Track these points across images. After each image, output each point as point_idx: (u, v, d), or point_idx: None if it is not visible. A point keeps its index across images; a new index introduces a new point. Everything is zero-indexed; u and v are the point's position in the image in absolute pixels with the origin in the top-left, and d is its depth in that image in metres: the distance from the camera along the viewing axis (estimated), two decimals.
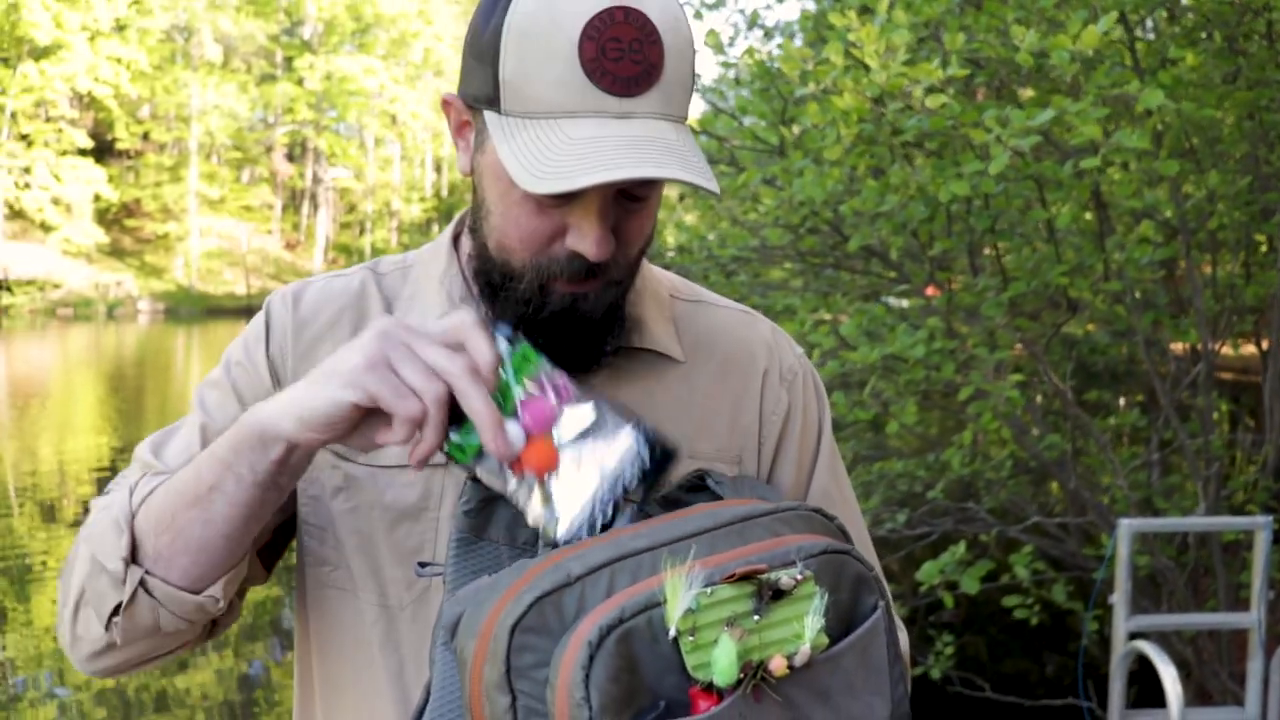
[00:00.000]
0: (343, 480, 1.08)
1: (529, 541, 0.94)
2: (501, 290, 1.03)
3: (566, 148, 0.91)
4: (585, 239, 0.97)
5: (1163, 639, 4.11)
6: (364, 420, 0.90)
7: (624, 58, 0.92)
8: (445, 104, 1.05)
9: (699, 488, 1.02)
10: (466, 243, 1.11)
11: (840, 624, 0.87)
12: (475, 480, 0.94)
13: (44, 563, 8.31)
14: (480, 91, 0.97)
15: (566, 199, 0.96)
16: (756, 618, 0.79)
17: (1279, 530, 3.65)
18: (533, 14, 0.92)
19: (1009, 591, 4.60)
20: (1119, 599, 3.54)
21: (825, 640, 0.82)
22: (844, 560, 0.89)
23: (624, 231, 1.00)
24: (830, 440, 1.21)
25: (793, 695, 0.81)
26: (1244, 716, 3.61)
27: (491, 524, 0.94)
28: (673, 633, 0.77)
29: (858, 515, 1.22)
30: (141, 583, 0.98)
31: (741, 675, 0.77)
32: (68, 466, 11.80)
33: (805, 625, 0.81)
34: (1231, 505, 4.66)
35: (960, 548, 4.01)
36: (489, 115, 0.96)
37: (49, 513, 9.92)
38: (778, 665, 0.79)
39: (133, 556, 0.98)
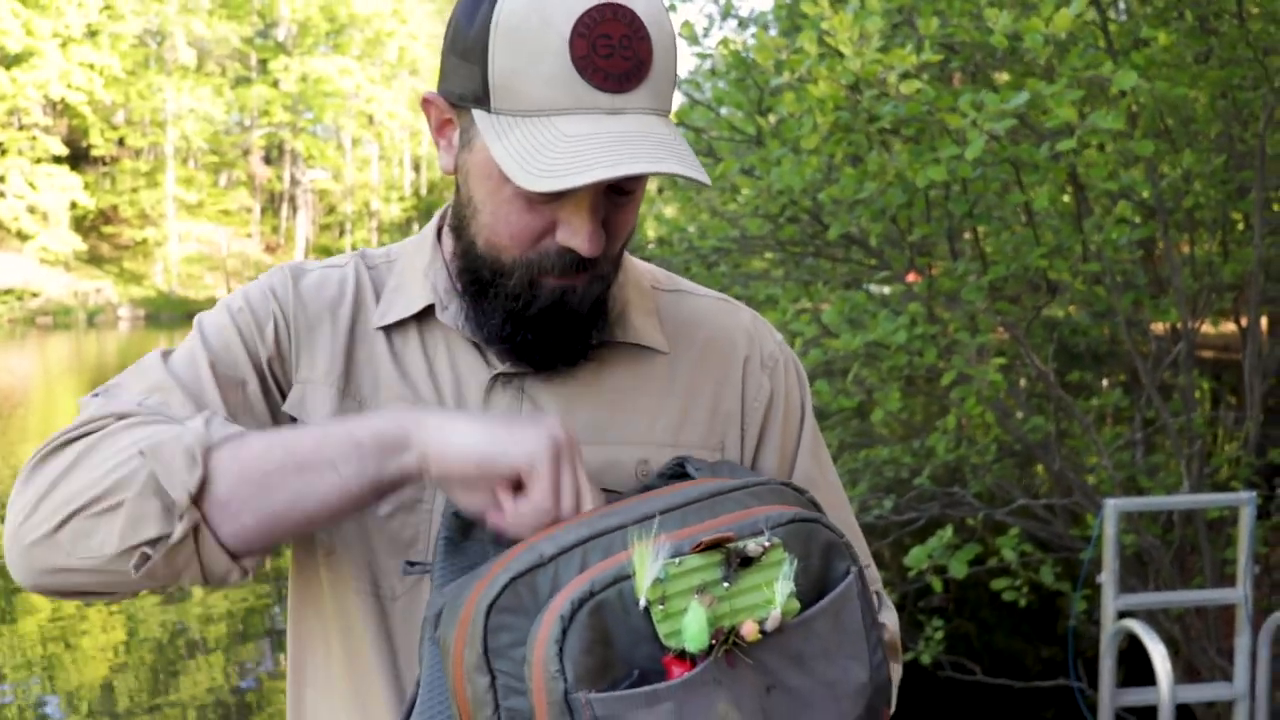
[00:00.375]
0: None
1: (513, 540, 0.94)
2: (491, 287, 1.03)
3: (562, 145, 0.91)
4: (577, 235, 0.97)
5: (1150, 617, 4.13)
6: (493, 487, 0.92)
7: (614, 54, 0.93)
8: (425, 103, 1.05)
9: (679, 475, 1.03)
10: (449, 239, 1.11)
11: (813, 590, 0.88)
12: None
13: None
14: (466, 89, 0.97)
15: (558, 195, 0.96)
16: (726, 585, 0.81)
17: (1263, 505, 3.67)
18: (521, 12, 0.93)
19: (997, 574, 4.62)
20: (1107, 579, 3.55)
21: (796, 605, 0.83)
22: (813, 528, 0.90)
23: (612, 225, 1.01)
24: (812, 425, 1.22)
25: (766, 660, 0.82)
26: (1233, 691, 3.63)
27: (478, 524, 0.95)
28: (643, 603, 0.78)
29: (843, 498, 1.23)
30: (195, 526, 0.90)
31: (713, 641, 0.78)
32: None
33: (775, 591, 0.82)
34: (1215, 482, 4.69)
35: (947, 532, 4.02)
36: (478, 114, 0.96)
37: None
38: (749, 630, 0.80)
39: (200, 490, 0.90)
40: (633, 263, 1.18)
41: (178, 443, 0.91)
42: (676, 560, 0.79)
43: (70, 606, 7.53)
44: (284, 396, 1.09)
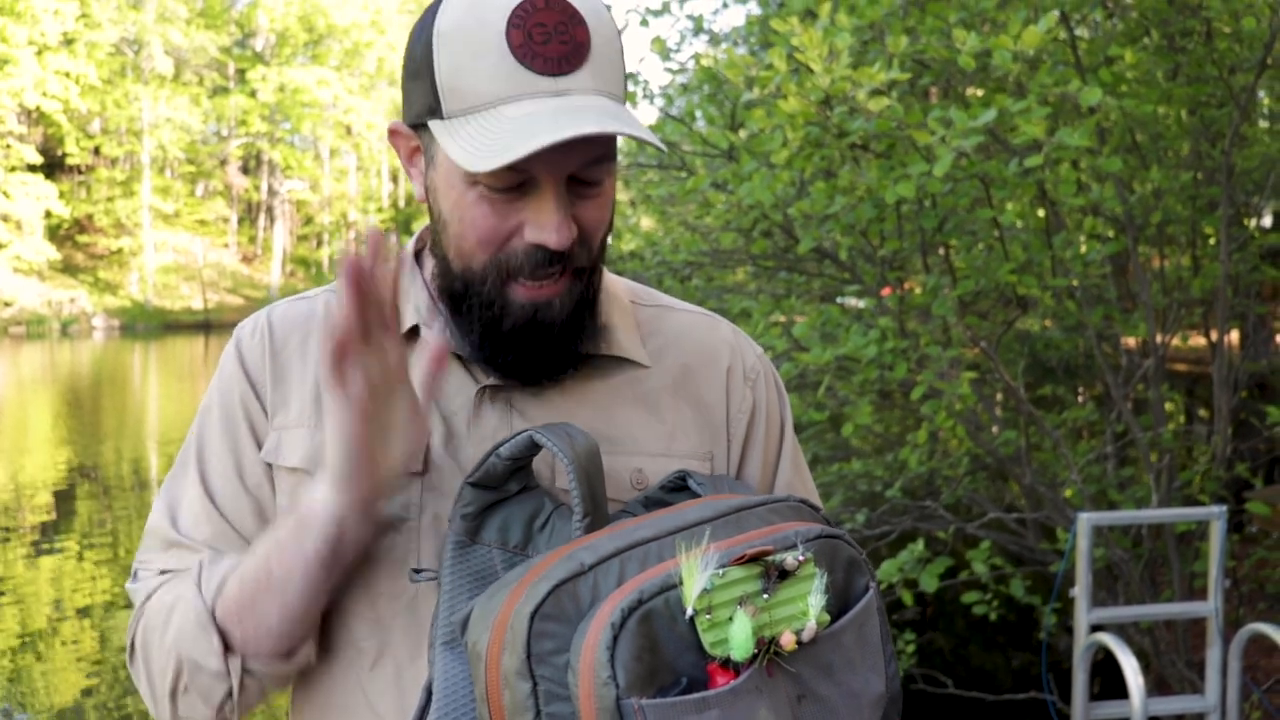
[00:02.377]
0: None
1: (519, 545, 0.98)
2: (465, 300, 1.04)
3: (507, 125, 0.94)
4: (544, 228, 0.99)
5: (1121, 630, 4.15)
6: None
7: (551, 40, 0.96)
8: (392, 134, 1.08)
9: (680, 488, 1.06)
10: (429, 261, 1.13)
11: (837, 603, 0.91)
12: (474, 485, 0.98)
13: None
14: (422, 105, 1.00)
15: (520, 192, 0.98)
16: (765, 597, 0.84)
17: (1233, 519, 3.70)
18: (458, 17, 0.97)
19: (970, 588, 4.63)
20: (1080, 592, 3.56)
21: (827, 618, 0.88)
22: (837, 544, 0.94)
23: (582, 219, 1.02)
24: (791, 435, 1.24)
25: (800, 670, 0.86)
26: (1204, 704, 3.65)
27: (485, 528, 0.98)
28: (690, 612, 0.81)
29: (818, 505, 1.25)
30: (243, 668, 1.04)
31: (756, 650, 0.82)
32: (23, 486, 11.63)
33: (809, 603, 0.86)
34: (1186, 496, 4.72)
35: (919, 545, 4.03)
36: (433, 125, 0.99)
37: (3, 534, 9.76)
38: (787, 640, 0.84)
39: (226, 648, 1.04)
40: (611, 279, 1.19)
41: (190, 623, 1.05)
42: (720, 572, 0.82)
43: (40, 619, 7.46)
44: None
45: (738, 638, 0.81)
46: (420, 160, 1.05)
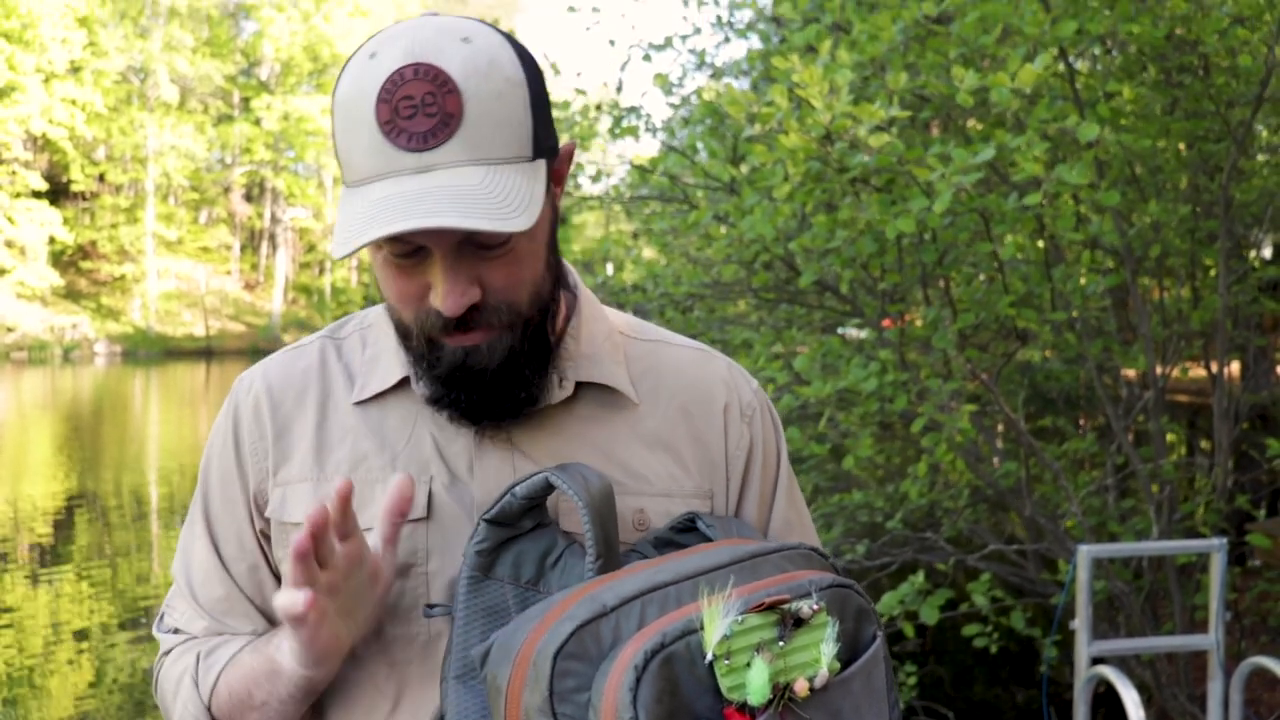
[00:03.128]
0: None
1: (531, 580, 1.00)
2: (406, 350, 1.06)
3: (362, 209, 0.94)
4: (437, 294, 0.99)
5: (1121, 662, 4.13)
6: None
7: (418, 113, 0.94)
8: None
9: (689, 529, 1.09)
10: None
11: (847, 651, 0.94)
12: (490, 522, 1.01)
13: None
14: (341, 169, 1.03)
15: (420, 257, 0.99)
16: (781, 644, 0.87)
17: (1233, 551, 3.69)
18: (346, 87, 0.97)
19: (971, 620, 4.62)
20: (1080, 625, 3.56)
21: (839, 665, 0.91)
22: (847, 594, 0.96)
23: (489, 281, 1.00)
24: (788, 469, 1.24)
25: (812, 715, 0.89)
26: None
27: (499, 563, 1.01)
28: (709, 657, 0.84)
29: (816, 541, 1.26)
30: None
31: (771, 696, 0.85)
32: (22, 512, 11.61)
33: (822, 651, 0.89)
34: (1188, 528, 4.72)
35: (919, 577, 4.03)
36: (344, 191, 1.00)
37: (2, 560, 9.74)
38: (800, 687, 0.87)
39: None
40: (601, 310, 1.19)
41: (190, 715, 1.12)
42: (739, 618, 0.85)
43: (36, 645, 7.44)
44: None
45: (755, 683, 0.84)
46: None
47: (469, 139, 0.95)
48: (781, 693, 0.85)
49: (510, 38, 1.03)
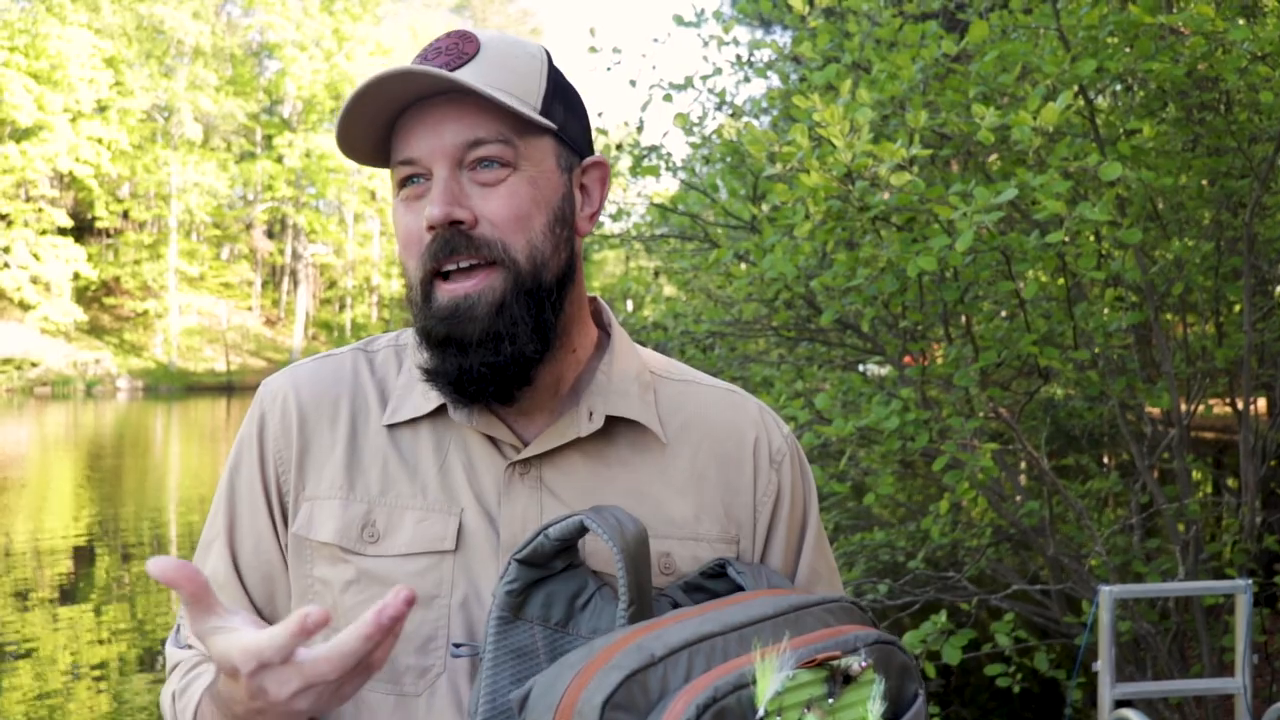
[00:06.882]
0: (354, 574, 1.08)
1: (561, 622, 0.99)
2: (415, 315, 1.08)
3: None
4: (428, 204, 1.04)
5: (1149, 706, 4.07)
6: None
7: (441, 54, 1.06)
8: None
9: (719, 574, 1.08)
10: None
11: (890, 709, 0.94)
12: (521, 562, 0.99)
13: (17, 643, 8.17)
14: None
15: (427, 188, 1.05)
16: (830, 700, 0.87)
17: (1262, 592, 3.64)
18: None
19: (993, 660, 4.57)
20: (1103, 666, 3.51)
21: None
22: (891, 650, 0.96)
23: (482, 208, 1.04)
24: (816, 518, 1.22)
25: None
26: None
27: (529, 603, 0.99)
28: (761, 712, 0.83)
29: (840, 590, 1.24)
30: None
31: None
32: (43, 546, 11.65)
33: (869, 709, 0.89)
34: (1215, 568, 4.66)
35: (941, 617, 3.98)
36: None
37: (23, 594, 9.76)
38: None
39: None
40: (632, 347, 1.19)
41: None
42: (790, 674, 0.85)
43: (56, 679, 7.44)
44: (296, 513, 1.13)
45: None
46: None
47: (483, 69, 1.05)
48: None
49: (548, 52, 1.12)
